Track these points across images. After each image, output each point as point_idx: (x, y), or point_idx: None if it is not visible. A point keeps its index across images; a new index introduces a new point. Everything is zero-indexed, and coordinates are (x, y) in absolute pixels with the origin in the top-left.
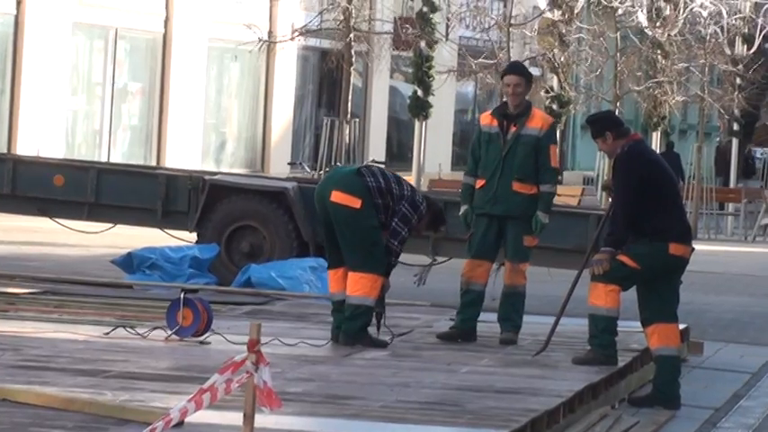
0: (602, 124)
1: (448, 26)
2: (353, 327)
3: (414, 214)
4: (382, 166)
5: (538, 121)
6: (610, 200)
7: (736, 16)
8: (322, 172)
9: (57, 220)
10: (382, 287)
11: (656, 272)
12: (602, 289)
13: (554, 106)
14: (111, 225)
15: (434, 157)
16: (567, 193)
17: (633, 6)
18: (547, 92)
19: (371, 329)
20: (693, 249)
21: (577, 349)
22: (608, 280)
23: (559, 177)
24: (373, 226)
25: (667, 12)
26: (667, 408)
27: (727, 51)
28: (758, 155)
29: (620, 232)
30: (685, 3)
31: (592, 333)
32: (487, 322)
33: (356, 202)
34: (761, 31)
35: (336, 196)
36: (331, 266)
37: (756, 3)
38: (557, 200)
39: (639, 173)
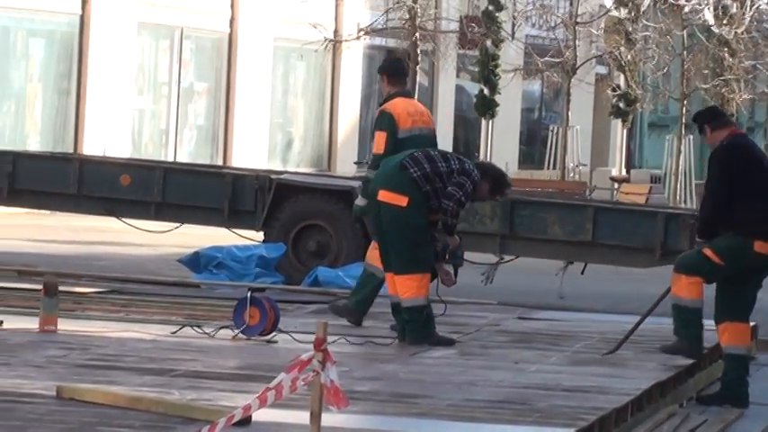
0: (702, 119)
1: (514, 24)
2: (415, 328)
3: (467, 179)
4: None
5: None
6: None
7: None
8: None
9: (123, 219)
10: (448, 277)
11: (739, 269)
12: (685, 281)
13: (621, 104)
14: (177, 224)
15: (501, 156)
16: (635, 192)
17: (700, 4)
18: (614, 90)
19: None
20: None
21: (646, 347)
22: (690, 271)
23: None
24: (419, 226)
25: (734, 9)
26: (735, 406)
27: None
28: None
29: (710, 225)
30: (752, 1)
31: (676, 324)
32: (555, 321)
33: (403, 200)
34: None
35: (383, 195)
36: (387, 269)
37: None
38: (625, 198)
39: (732, 167)
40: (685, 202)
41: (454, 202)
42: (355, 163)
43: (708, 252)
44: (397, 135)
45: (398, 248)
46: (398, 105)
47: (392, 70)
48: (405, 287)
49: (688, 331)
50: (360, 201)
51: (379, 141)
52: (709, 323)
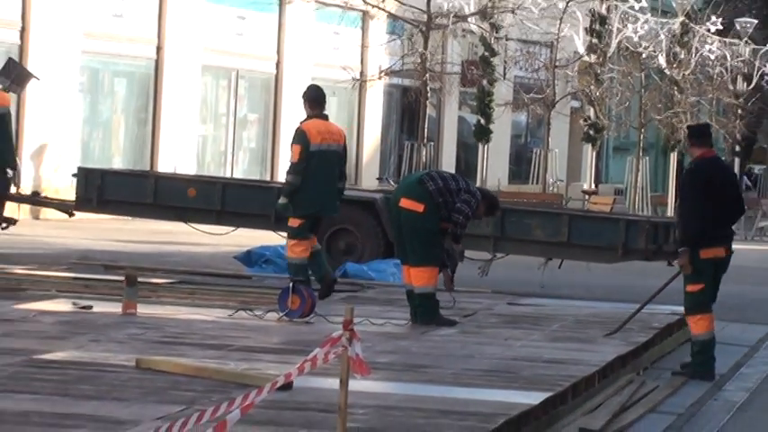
0: (689, 132)
1: (505, 68)
2: (425, 311)
3: (472, 198)
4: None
5: None
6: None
7: (738, 59)
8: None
9: (190, 224)
10: (448, 275)
11: (709, 278)
12: (692, 320)
13: (591, 132)
14: (233, 228)
15: (494, 173)
16: (602, 202)
17: (654, 51)
18: (585, 120)
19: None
20: (728, 250)
21: (610, 328)
22: (694, 311)
23: (596, 187)
24: (432, 228)
25: (682, 55)
26: (705, 380)
27: (731, 87)
28: (756, 171)
29: (692, 234)
30: (697, 48)
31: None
32: (537, 306)
33: (419, 207)
34: (758, 71)
35: (404, 202)
36: (402, 262)
37: (754, 48)
38: (594, 207)
39: (694, 186)
40: (642, 210)
41: (463, 216)
42: (377, 179)
43: (691, 288)
44: (309, 148)
45: (414, 246)
46: (311, 125)
47: (312, 97)
48: (418, 277)
49: (697, 359)
50: (282, 200)
51: (295, 152)
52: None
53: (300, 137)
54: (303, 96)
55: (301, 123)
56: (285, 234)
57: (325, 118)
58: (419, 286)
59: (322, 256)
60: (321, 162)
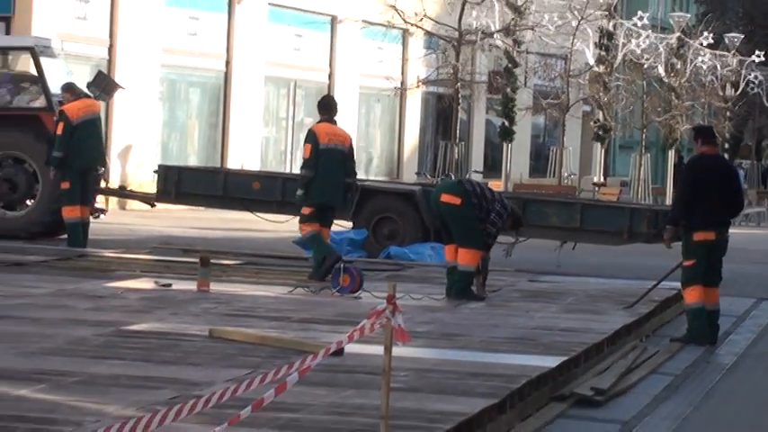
0: (695, 131)
1: (525, 77)
2: (461, 286)
3: (504, 211)
4: (480, 175)
5: None
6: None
7: (727, 69)
8: (439, 179)
9: (255, 213)
10: (483, 258)
11: (701, 256)
12: (685, 291)
13: (600, 132)
14: (292, 216)
15: (517, 169)
16: (610, 192)
17: (654, 62)
18: (595, 122)
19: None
20: (718, 233)
21: (618, 301)
22: (687, 284)
23: (602, 180)
24: (471, 217)
25: (678, 66)
26: (701, 345)
27: (720, 93)
28: (743, 166)
29: (675, 215)
30: (691, 59)
31: (688, 320)
32: (554, 282)
33: (457, 200)
34: (744, 79)
35: (444, 197)
36: (446, 243)
37: (740, 59)
38: (603, 197)
39: (689, 177)
40: (645, 199)
41: (496, 228)
42: (416, 173)
43: (686, 263)
44: (319, 147)
45: (457, 231)
46: (321, 127)
47: (323, 105)
48: (463, 257)
49: (692, 326)
50: (299, 191)
51: (307, 150)
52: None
53: (311, 137)
54: (317, 104)
55: (314, 126)
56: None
57: (334, 122)
58: (463, 264)
59: (326, 245)
60: (328, 159)
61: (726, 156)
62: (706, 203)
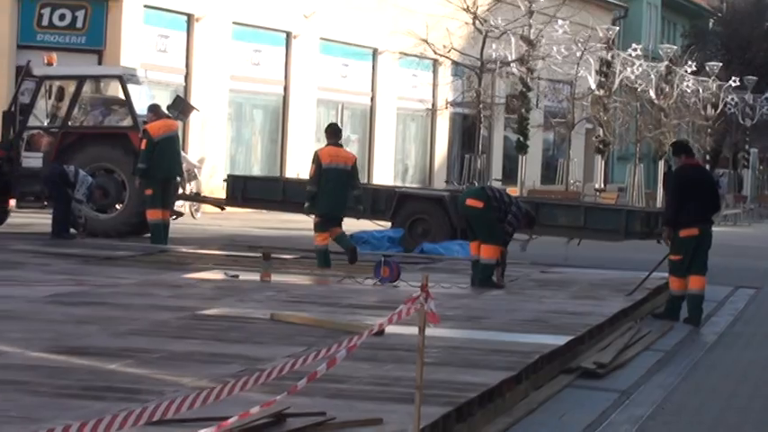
0: (673, 147)
1: (537, 99)
2: (484, 277)
3: (520, 213)
4: (499, 182)
5: None
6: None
7: (708, 92)
8: (464, 186)
9: (309, 215)
10: (502, 253)
11: (687, 251)
12: (670, 280)
13: (600, 146)
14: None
15: (530, 177)
16: (609, 197)
17: (646, 87)
18: (596, 138)
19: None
20: (702, 229)
21: (617, 289)
22: (672, 273)
23: (605, 186)
24: (492, 218)
25: (667, 90)
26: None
27: (702, 113)
28: (720, 175)
29: (669, 217)
30: (677, 84)
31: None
32: (562, 273)
33: (480, 204)
34: (722, 101)
35: (469, 201)
36: (470, 240)
37: (719, 84)
38: (603, 200)
39: (676, 185)
40: (639, 203)
41: (512, 228)
42: (445, 181)
43: (672, 258)
44: (322, 167)
45: (480, 230)
46: (324, 151)
47: (328, 131)
48: (485, 251)
49: (669, 305)
50: (306, 204)
51: (311, 170)
52: (656, 274)
53: (315, 159)
54: (325, 130)
55: (320, 149)
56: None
57: (339, 145)
58: (485, 258)
59: (345, 236)
60: (331, 177)
61: (707, 166)
62: (690, 205)
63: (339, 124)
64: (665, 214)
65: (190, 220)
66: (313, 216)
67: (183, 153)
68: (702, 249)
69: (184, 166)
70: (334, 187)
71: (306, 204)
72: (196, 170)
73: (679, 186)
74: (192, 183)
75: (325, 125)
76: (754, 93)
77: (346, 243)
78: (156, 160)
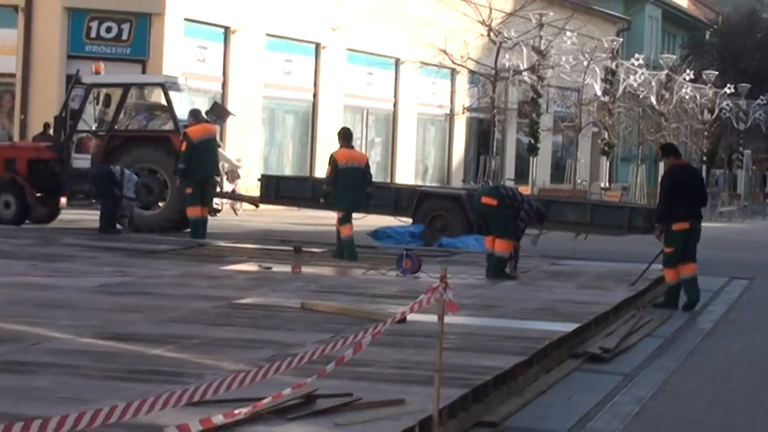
0: (661, 148)
1: (547, 105)
2: (498, 269)
3: (531, 210)
4: (512, 181)
5: None
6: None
7: (705, 98)
8: (480, 185)
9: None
10: (515, 246)
11: (680, 244)
12: (665, 271)
13: (605, 148)
14: (365, 214)
15: (540, 177)
16: (613, 195)
17: (648, 93)
18: (601, 140)
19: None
20: (692, 223)
21: (621, 280)
22: (666, 265)
23: (609, 185)
24: (505, 215)
25: (667, 96)
26: (673, 308)
27: (699, 117)
28: (717, 174)
29: (661, 215)
30: (676, 91)
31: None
32: (570, 265)
33: (494, 202)
34: (717, 106)
35: (484, 199)
36: (485, 235)
37: (715, 91)
38: (608, 198)
39: (667, 184)
40: (641, 200)
41: (524, 224)
42: (462, 180)
43: (667, 251)
44: (338, 167)
45: (494, 226)
46: (339, 152)
47: (341, 135)
48: (499, 245)
49: (668, 295)
50: (321, 200)
51: (328, 171)
52: (656, 267)
53: (332, 161)
54: (338, 134)
55: (335, 151)
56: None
57: (351, 147)
58: (499, 251)
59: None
60: (347, 176)
61: (704, 166)
62: (681, 201)
63: (365, 128)
64: (657, 212)
65: (230, 215)
66: (338, 211)
67: (225, 155)
68: (692, 241)
69: (227, 166)
70: (353, 184)
71: (321, 200)
72: (239, 170)
73: (670, 185)
74: (236, 182)
75: (347, 130)
76: (747, 99)
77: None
78: (195, 161)
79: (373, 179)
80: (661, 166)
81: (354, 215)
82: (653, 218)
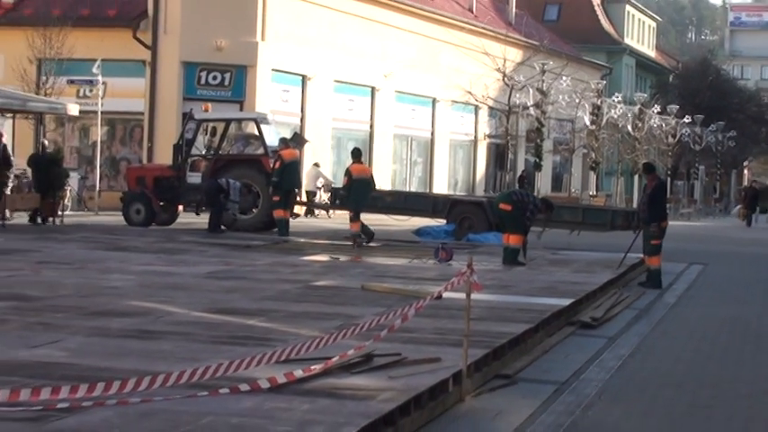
0: (644, 169)
1: (548, 132)
2: (512, 258)
3: (536, 209)
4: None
5: None
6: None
7: (669, 126)
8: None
9: (388, 214)
10: (524, 240)
11: (662, 237)
12: (652, 259)
13: (593, 165)
14: (409, 217)
15: (544, 187)
16: (599, 201)
17: (625, 123)
18: (590, 159)
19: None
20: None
21: (606, 266)
22: (651, 254)
23: (596, 193)
24: (518, 215)
25: (639, 125)
26: (656, 288)
27: (665, 141)
28: (679, 184)
29: (663, 215)
30: (647, 121)
31: (648, 275)
32: (567, 255)
33: (509, 207)
34: (678, 133)
35: (501, 206)
36: (502, 232)
37: (677, 121)
38: (595, 203)
39: (661, 193)
40: (620, 205)
41: (532, 221)
42: (483, 191)
43: (654, 242)
44: (353, 178)
45: (510, 225)
46: (354, 167)
47: (354, 153)
48: (513, 239)
49: (654, 280)
50: (338, 201)
51: (345, 181)
52: (632, 255)
53: (348, 173)
54: (351, 153)
55: (349, 166)
56: (438, 220)
57: (361, 163)
58: (512, 244)
59: (366, 225)
60: (360, 185)
61: (669, 179)
62: (664, 207)
63: (409, 151)
64: (661, 214)
65: (305, 220)
66: (350, 211)
67: (323, 172)
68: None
69: (323, 181)
70: (364, 191)
71: (337, 202)
72: (332, 184)
73: (663, 194)
74: (329, 193)
75: (359, 150)
76: (701, 126)
77: (366, 229)
78: (284, 176)
79: (408, 190)
80: (635, 179)
81: (398, 217)
82: (630, 218)
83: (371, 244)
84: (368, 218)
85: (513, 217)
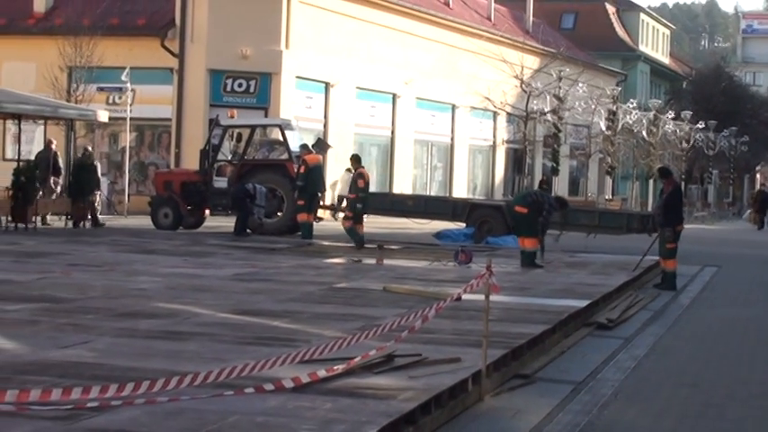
0: (659, 171)
1: (565, 137)
2: (529, 260)
3: (555, 205)
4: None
5: None
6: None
7: (683, 131)
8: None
9: (410, 218)
10: (541, 242)
11: (678, 240)
12: (669, 262)
13: (609, 169)
14: (430, 220)
15: (561, 191)
16: (615, 204)
17: (640, 129)
18: (606, 164)
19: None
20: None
21: (621, 268)
22: (667, 257)
23: (612, 197)
24: (534, 220)
25: (654, 130)
26: (671, 290)
27: (679, 146)
28: (693, 188)
29: (681, 218)
30: (661, 126)
31: (663, 277)
32: (584, 257)
33: (525, 210)
34: (692, 138)
35: (517, 208)
36: (518, 236)
37: (690, 126)
38: (611, 206)
39: (672, 198)
40: (636, 208)
41: (548, 221)
42: (502, 195)
43: (670, 246)
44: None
45: (524, 228)
46: (364, 171)
47: (354, 159)
48: (530, 242)
49: (670, 283)
50: (359, 205)
51: (360, 183)
52: (649, 257)
53: (363, 176)
54: (351, 158)
55: (360, 170)
56: (458, 224)
57: (363, 167)
58: (528, 247)
59: (357, 232)
60: (367, 189)
61: (683, 183)
62: (681, 210)
63: (429, 156)
64: (678, 218)
65: (327, 223)
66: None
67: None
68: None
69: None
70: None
71: (358, 205)
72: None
73: (681, 198)
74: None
75: (359, 156)
76: (714, 132)
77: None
78: (308, 181)
79: (428, 194)
80: (651, 183)
81: (419, 221)
82: (645, 222)
83: (392, 247)
84: (390, 221)
85: (528, 220)
